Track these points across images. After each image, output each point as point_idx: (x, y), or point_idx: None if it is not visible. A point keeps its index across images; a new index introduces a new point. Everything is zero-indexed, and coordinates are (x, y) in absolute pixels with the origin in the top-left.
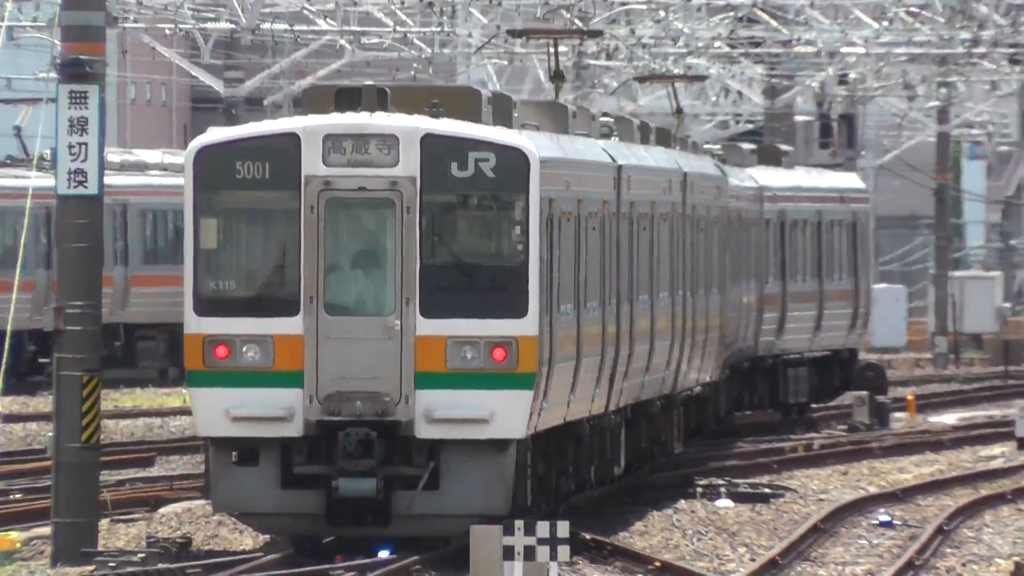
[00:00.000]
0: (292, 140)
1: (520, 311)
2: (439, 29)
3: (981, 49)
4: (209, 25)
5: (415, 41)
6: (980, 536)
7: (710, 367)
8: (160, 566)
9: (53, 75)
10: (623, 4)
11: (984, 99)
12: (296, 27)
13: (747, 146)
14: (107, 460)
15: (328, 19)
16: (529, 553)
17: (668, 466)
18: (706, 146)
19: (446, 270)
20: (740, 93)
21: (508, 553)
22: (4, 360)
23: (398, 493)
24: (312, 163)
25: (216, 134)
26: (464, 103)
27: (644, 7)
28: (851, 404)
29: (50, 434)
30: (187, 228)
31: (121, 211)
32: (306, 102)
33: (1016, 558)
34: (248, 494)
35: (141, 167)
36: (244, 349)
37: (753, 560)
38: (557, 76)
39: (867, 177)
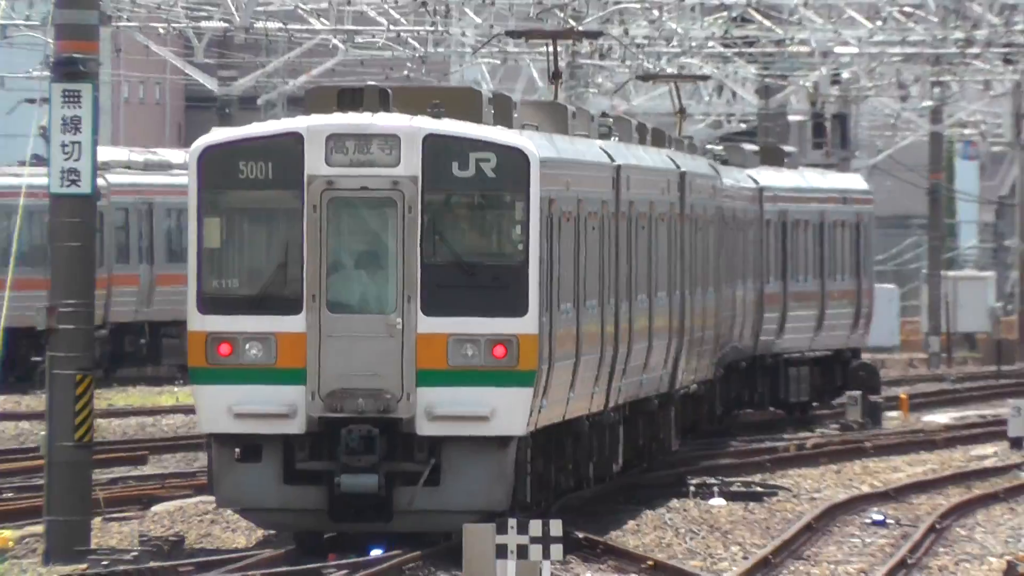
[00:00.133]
0: (295, 140)
1: (520, 309)
2: (433, 28)
3: (975, 49)
4: (203, 24)
5: (409, 40)
6: (973, 535)
7: (705, 366)
8: (152, 564)
9: (46, 74)
10: (617, 3)
11: (977, 99)
12: (290, 26)
13: (749, 147)
14: (100, 458)
15: (322, 18)
16: (522, 552)
17: (665, 464)
18: (708, 146)
19: (447, 269)
20: (733, 93)
21: (501, 552)
22: None
23: (399, 489)
24: (315, 163)
25: (220, 134)
26: (465, 103)
27: (638, 7)
28: (845, 403)
29: (43, 432)
30: (191, 227)
31: (146, 210)
32: (309, 102)
33: (1008, 557)
34: (251, 490)
35: (165, 167)
36: (247, 347)
37: (746, 559)
38: (556, 76)
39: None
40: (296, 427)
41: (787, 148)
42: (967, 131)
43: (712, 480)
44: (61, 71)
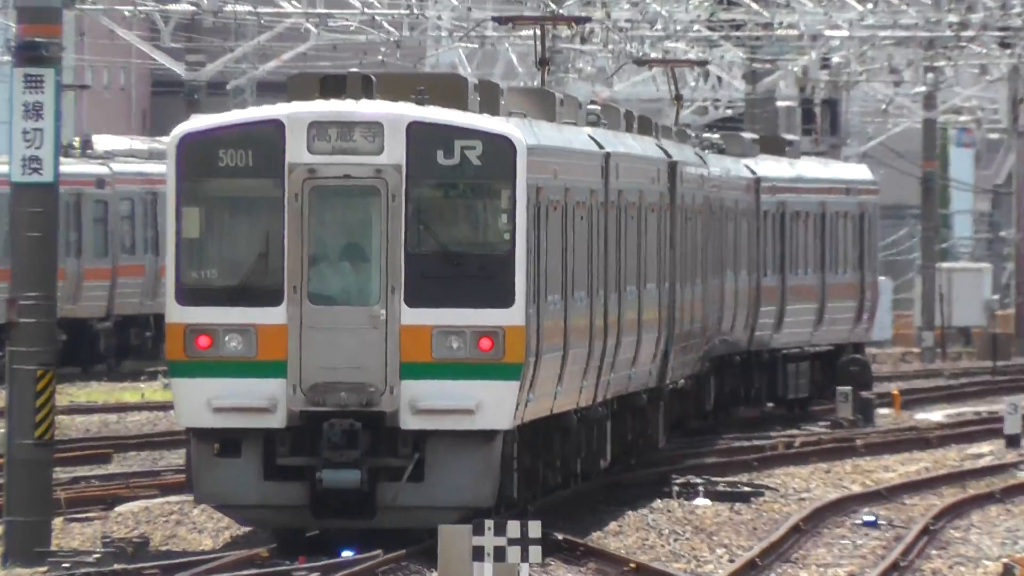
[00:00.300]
0: (276, 127)
1: (507, 301)
2: (408, 12)
3: (970, 32)
4: (170, 7)
5: (383, 24)
6: (968, 537)
7: (692, 360)
8: (116, 567)
9: (7, 58)
10: None
11: (973, 84)
12: (260, 9)
13: (749, 136)
14: (61, 457)
15: (293, 1)
16: (499, 554)
17: (649, 463)
18: (706, 136)
19: (432, 259)
20: (720, 78)
21: (478, 554)
22: None
23: (383, 485)
24: (296, 151)
25: (199, 121)
26: (450, 90)
27: None
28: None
29: (2, 430)
30: (169, 217)
31: (151, 200)
32: (290, 89)
33: (1005, 560)
34: (230, 486)
35: None
36: (227, 339)
37: (732, 562)
38: (544, 63)
39: None
40: (277, 421)
41: (788, 137)
42: (962, 117)
43: (697, 479)
44: (23, 56)
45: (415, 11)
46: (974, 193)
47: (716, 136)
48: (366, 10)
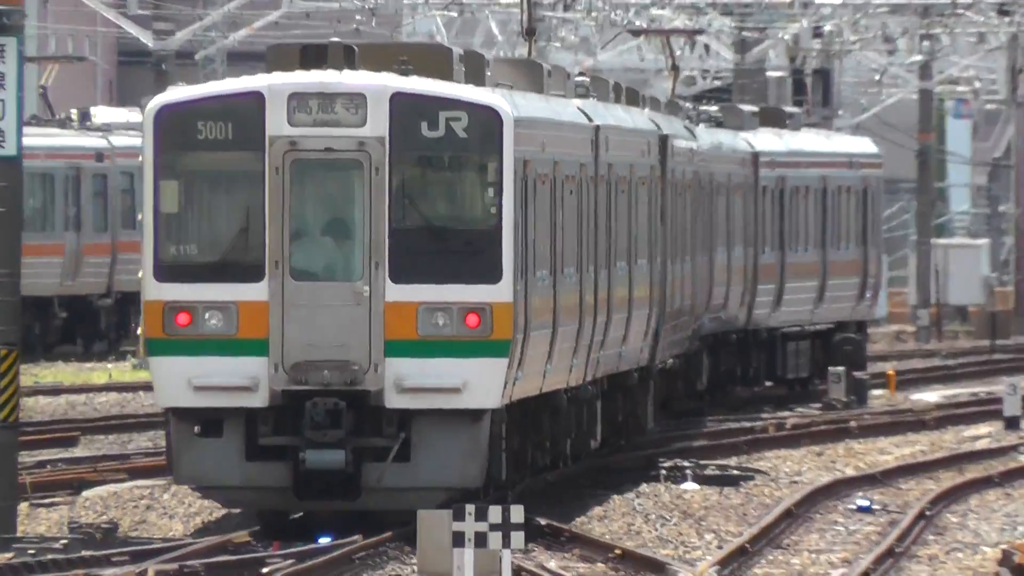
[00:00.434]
0: (256, 99)
1: (494, 276)
2: None
3: None
4: None
5: None
6: (965, 522)
7: (682, 339)
8: (83, 553)
9: None
10: None
11: (970, 53)
12: None
13: (748, 108)
14: (26, 440)
15: None
16: (480, 540)
17: (635, 445)
18: (702, 108)
19: (416, 234)
20: (707, 47)
21: (458, 540)
22: None
23: (368, 465)
24: (277, 123)
25: (176, 93)
26: (435, 61)
27: None
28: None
29: None
30: (146, 191)
31: None
32: (270, 60)
33: (1004, 546)
34: (211, 467)
35: None
36: (206, 316)
37: (720, 547)
38: (531, 33)
39: None
40: (259, 400)
41: (789, 109)
42: (959, 88)
43: (685, 463)
44: None
45: None
46: (971, 166)
47: (714, 109)
48: None
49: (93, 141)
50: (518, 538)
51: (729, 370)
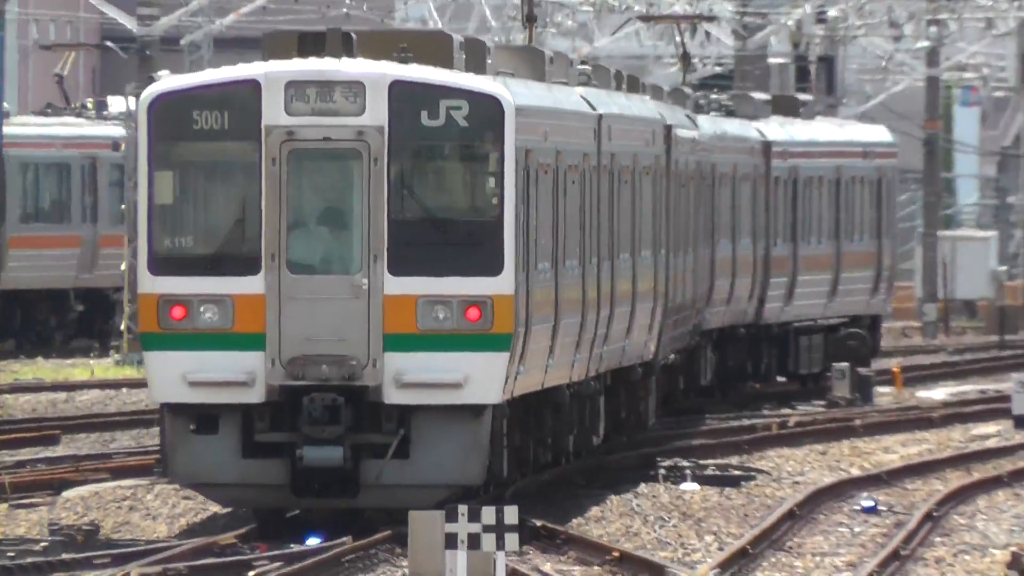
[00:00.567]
0: (252, 88)
1: (495, 268)
2: None
3: None
4: None
5: None
6: (973, 523)
7: (685, 333)
8: (64, 556)
9: None
10: None
11: (979, 39)
12: None
13: (760, 96)
14: (5, 439)
15: None
16: (474, 542)
17: (631, 444)
18: (713, 97)
19: (416, 225)
20: (708, 33)
21: (451, 541)
22: None
23: (366, 462)
24: (273, 112)
25: (171, 81)
26: (435, 48)
27: None
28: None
29: None
30: (141, 182)
31: None
32: (266, 47)
33: (1013, 548)
34: (207, 464)
35: None
36: (202, 310)
37: (721, 549)
38: (531, 19)
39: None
40: (255, 396)
41: (802, 97)
42: (967, 75)
43: (684, 462)
44: None
45: None
46: (980, 156)
47: (725, 97)
48: None
49: (110, 130)
50: (512, 540)
51: (738, 365)
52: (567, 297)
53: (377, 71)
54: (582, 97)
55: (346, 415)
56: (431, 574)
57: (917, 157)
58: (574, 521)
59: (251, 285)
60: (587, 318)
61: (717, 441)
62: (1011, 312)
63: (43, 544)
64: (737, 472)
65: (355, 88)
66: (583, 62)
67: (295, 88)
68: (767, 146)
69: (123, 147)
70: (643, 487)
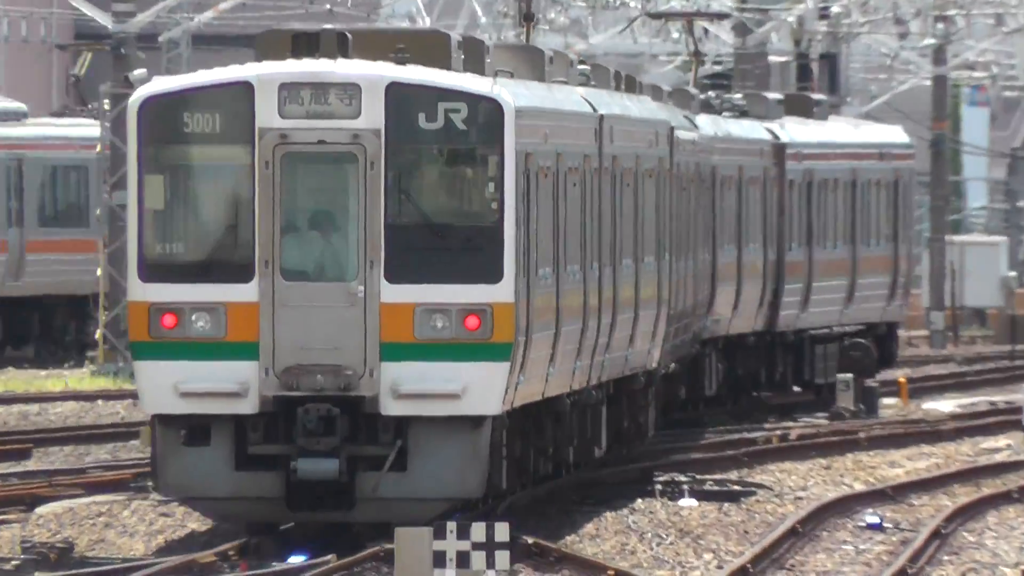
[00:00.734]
0: (245, 90)
1: (494, 276)
2: None
3: None
4: None
5: None
6: (983, 541)
7: (685, 342)
8: (37, 574)
9: None
10: None
11: (988, 36)
12: None
13: (773, 96)
14: None
15: None
16: (463, 560)
17: (635, 456)
18: (726, 97)
19: (413, 231)
20: (706, 30)
21: (439, 560)
22: None
23: (362, 475)
24: (267, 115)
25: (161, 83)
26: (432, 48)
27: None
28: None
29: None
30: (130, 186)
31: None
32: (259, 48)
33: (1023, 567)
34: (199, 477)
35: None
36: (193, 318)
37: (720, 568)
38: (529, 18)
39: None
40: (248, 407)
41: (816, 97)
42: (975, 74)
43: (682, 477)
44: None
45: None
46: (989, 158)
47: (738, 97)
48: None
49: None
50: (503, 558)
51: (749, 374)
52: (568, 304)
53: (373, 72)
54: (583, 97)
55: (342, 426)
56: None
57: (924, 159)
58: (568, 538)
59: (244, 293)
60: (588, 326)
61: (716, 455)
62: (1022, 321)
63: (15, 563)
64: (737, 487)
65: (350, 90)
66: (581, 61)
67: (289, 90)
68: (781, 148)
69: (97, 148)
70: (639, 502)
